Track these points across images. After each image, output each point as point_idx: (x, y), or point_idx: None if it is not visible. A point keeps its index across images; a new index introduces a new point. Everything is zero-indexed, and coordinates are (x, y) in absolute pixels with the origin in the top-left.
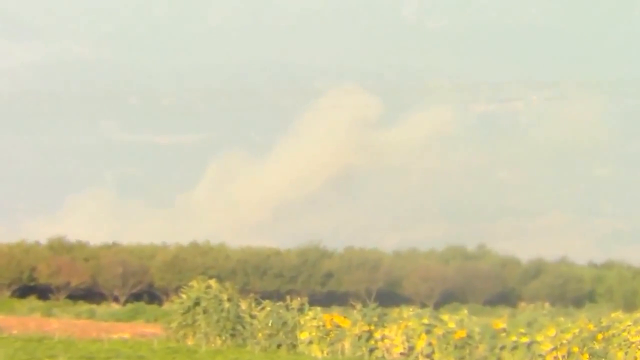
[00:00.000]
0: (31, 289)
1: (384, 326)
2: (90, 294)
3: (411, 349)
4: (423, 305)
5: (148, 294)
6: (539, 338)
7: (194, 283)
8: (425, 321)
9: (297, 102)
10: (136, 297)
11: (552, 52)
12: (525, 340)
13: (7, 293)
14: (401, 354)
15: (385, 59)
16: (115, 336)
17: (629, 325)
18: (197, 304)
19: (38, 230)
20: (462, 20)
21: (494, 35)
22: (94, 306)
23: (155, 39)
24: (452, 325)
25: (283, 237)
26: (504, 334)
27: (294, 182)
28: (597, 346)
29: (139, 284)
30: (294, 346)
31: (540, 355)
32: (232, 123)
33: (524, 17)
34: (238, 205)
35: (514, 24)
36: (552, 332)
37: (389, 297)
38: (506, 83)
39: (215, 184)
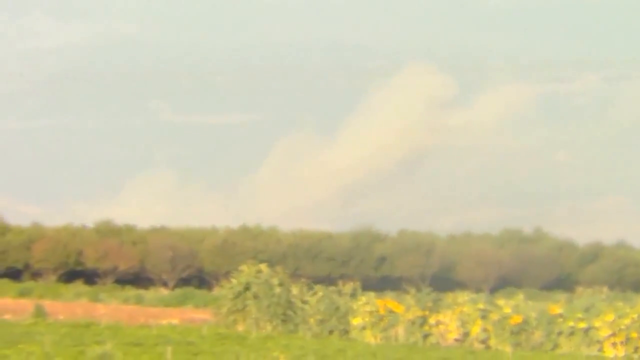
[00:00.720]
0: (78, 274)
1: (438, 312)
2: (138, 279)
3: (466, 334)
4: (478, 290)
5: (197, 279)
6: (597, 324)
7: (244, 267)
8: (481, 306)
9: (362, 84)
10: (185, 282)
11: (612, 29)
12: (582, 325)
13: (54, 278)
14: (456, 339)
15: (444, 36)
16: (163, 322)
17: None
18: (247, 289)
19: (91, 215)
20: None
21: (553, 12)
22: (142, 291)
23: (207, 17)
24: (507, 310)
25: (347, 220)
26: (560, 320)
27: (359, 164)
28: None
29: (188, 268)
30: (347, 332)
31: (597, 342)
32: (288, 104)
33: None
34: (302, 187)
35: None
36: (610, 317)
37: (443, 281)
38: (566, 62)
39: (278, 166)
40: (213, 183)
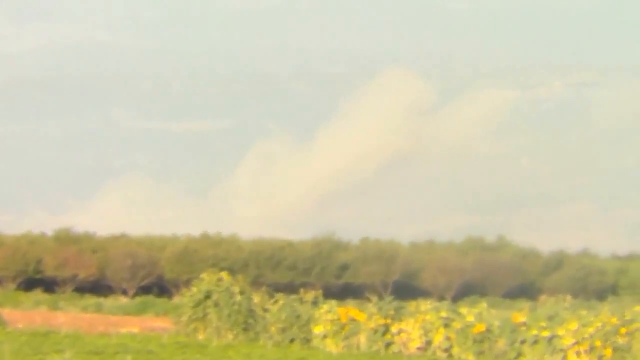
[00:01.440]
0: (37, 282)
1: (400, 320)
2: (97, 287)
3: (428, 343)
4: (441, 298)
5: (158, 287)
6: (561, 332)
7: (204, 275)
8: (443, 314)
9: (318, 89)
10: (145, 290)
11: (577, 35)
12: (546, 334)
13: (13, 286)
14: (418, 348)
15: (405, 40)
16: (123, 330)
17: None
18: (208, 297)
19: (51, 223)
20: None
21: (517, 18)
22: (101, 299)
23: (171, 22)
24: (470, 318)
25: (318, 228)
26: (524, 328)
27: (332, 172)
28: (620, 340)
29: (148, 276)
30: (308, 340)
31: (561, 350)
32: (252, 110)
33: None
34: (275, 195)
35: (536, 7)
36: (573, 326)
37: (406, 289)
38: (529, 68)
39: (252, 173)
40: (180, 190)
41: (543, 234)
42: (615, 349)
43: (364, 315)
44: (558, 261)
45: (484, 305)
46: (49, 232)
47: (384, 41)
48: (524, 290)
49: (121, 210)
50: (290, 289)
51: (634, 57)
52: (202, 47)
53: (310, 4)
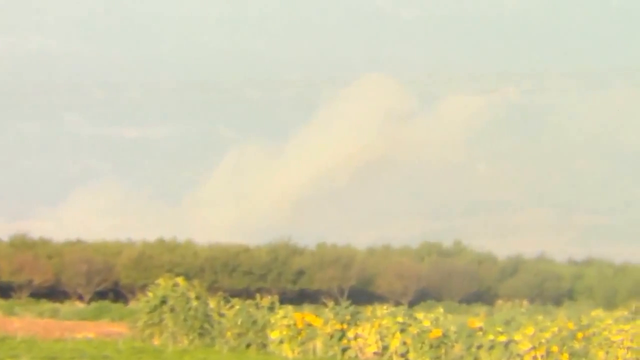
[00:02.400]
0: None
1: (357, 325)
2: (53, 293)
3: (385, 348)
4: (397, 304)
5: (113, 292)
6: (517, 337)
7: (160, 281)
8: (400, 320)
9: (272, 96)
10: (101, 295)
11: (531, 42)
12: (502, 339)
13: None
14: (375, 353)
15: (358, 48)
16: (79, 336)
17: (610, 324)
18: (163, 302)
19: (4, 228)
20: (435, 11)
21: (468, 25)
22: (57, 305)
23: (124, 29)
24: (427, 323)
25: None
26: (480, 333)
27: (301, 179)
28: (577, 345)
29: (104, 282)
30: (264, 346)
31: (518, 355)
32: (205, 117)
33: (498, 7)
34: (240, 202)
35: (486, 15)
36: (530, 331)
37: (362, 295)
38: (485, 74)
39: (223, 179)
40: (135, 196)
41: (499, 239)
42: (572, 354)
43: (320, 320)
44: (514, 266)
45: (440, 310)
46: (5, 238)
47: (340, 49)
48: (481, 295)
49: (77, 216)
50: (246, 294)
51: (589, 63)
52: (155, 54)
53: (263, 14)
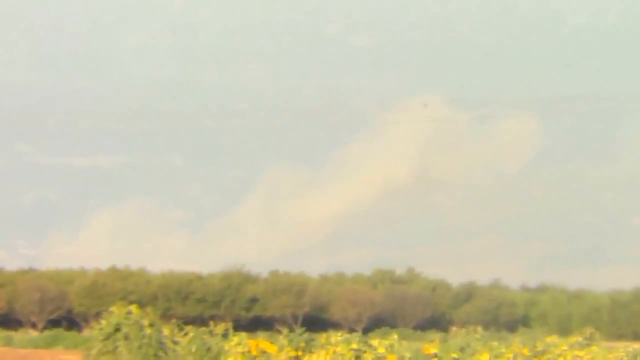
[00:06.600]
0: None
1: (311, 352)
2: (7, 321)
3: None
4: (352, 331)
5: (67, 320)
6: None
7: (114, 309)
8: (355, 346)
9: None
10: (55, 323)
11: (486, 69)
12: None
13: None
14: None
15: (306, 77)
16: None
17: (565, 350)
18: (117, 330)
19: None
20: (386, 39)
21: (419, 53)
22: (11, 333)
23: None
24: (382, 350)
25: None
26: (436, 359)
27: None
28: None
29: (58, 310)
30: None
31: None
32: (153, 145)
33: (450, 34)
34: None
35: (438, 42)
36: (485, 357)
37: (317, 322)
38: (439, 101)
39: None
40: (88, 224)
41: (453, 266)
42: None
43: (275, 347)
44: (468, 293)
45: (395, 337)
46: None
47: (286, 78)
48: (435, 322)
49: (30, 244)
50: (199, 322)
51: (541, 90)
52: (108, 83)
53: (213, 44)
